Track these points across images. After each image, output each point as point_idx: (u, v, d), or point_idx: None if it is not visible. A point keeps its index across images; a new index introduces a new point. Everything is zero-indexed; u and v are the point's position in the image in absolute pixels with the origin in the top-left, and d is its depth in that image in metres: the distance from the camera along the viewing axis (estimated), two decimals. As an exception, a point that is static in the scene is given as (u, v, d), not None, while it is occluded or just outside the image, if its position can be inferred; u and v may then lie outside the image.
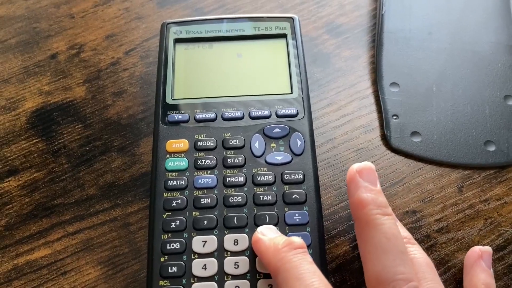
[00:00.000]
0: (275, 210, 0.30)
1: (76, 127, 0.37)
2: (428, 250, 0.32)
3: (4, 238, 0.33)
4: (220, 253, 0.28)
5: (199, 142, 0.32)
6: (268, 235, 0.27)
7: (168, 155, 0.32)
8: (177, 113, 0.33)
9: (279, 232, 0.28)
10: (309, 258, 0.25)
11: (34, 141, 0.36)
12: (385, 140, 0.36)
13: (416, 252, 0.28)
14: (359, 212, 0.27)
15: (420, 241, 0.32)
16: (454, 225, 0.33)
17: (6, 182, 0.35)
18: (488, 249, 0.31)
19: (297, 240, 0.26)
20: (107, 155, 0.36)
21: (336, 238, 0.32)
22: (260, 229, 0.28)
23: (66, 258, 0.32)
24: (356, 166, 0.28)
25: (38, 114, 0.38)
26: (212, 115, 0.33)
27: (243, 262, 0.28)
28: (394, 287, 0.24)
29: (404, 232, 0.30)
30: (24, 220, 0.33)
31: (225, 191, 0.30)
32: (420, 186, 0.34)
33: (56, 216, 0.33)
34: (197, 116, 0.33)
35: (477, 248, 0.31)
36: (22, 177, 0.35)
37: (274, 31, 0.36)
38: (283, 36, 0.36)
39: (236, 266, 0.28)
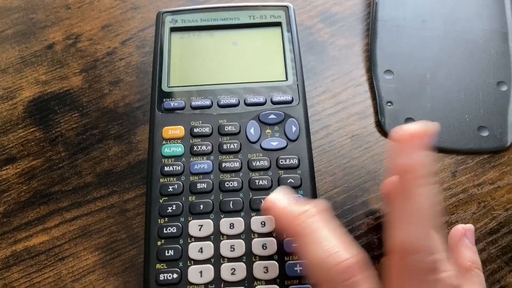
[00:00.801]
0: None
1: (73, 116, 0.37)
2: (422, 233, 0.32)
3: (2, 225, 0.33)
4: (216, 236, 0.29)
5: (195, 129, 0.32)
6: (280, 201, 0.27)
7: (164, 142, 0.32)
8: (173, 100, 0.33)
9: (291, 195, 0.27)
10: (327, 221, 0.25)
11: (32, 129, 0.37)
12: (380, 126, 0.36)
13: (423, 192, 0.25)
14: (402, 178, 0.25)
15: (414, 225, 0.32)
16: (447, 209, 0.33)
17: (4, 170, 0.35)
18: (470, 226, 0.31)
19: (313, 207, 0.25)
20: (104, 143, 0.36)
21: (331, 222, 0.33)
22: (271, 196, 0.27)
23: (64, 244, 0.32)
24: (410, 128, 0.25)
25: (35, 103, 0.38)
26: (207, 102, 0.33)
27: (239, 245, 0.28)
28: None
29: (473, 256, 0.30)
30: (22, 207, 0.34)
31: (221, 176, 0.31)
32: (414, 171, 0.35)
33: (54, 203, 0.34)
34: (193, 103, 0.33)
35: (460, 227, 0.31)
36: (19, 165, 0.35)
37: (269, 20, 0.37)
38: (278, 24, 0.37)
39: (232, 249, 0.28)
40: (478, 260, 0.30)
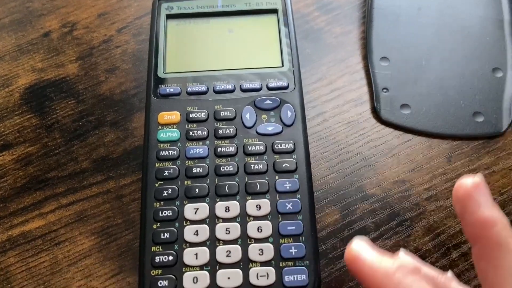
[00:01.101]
0: (266, 178, 0.30)
1: (69, 102, 0.37)
2: (417, 217, 0.32)
3: (-1, 210, 0.33)
4: (212, 219, 0.29)
5: (190, 114, 0.32)
6: (367, 254, 0.23)
7: (160, 127, 0.32)
8: (169, 86, 0.33)
9: (374, 245, 0.24)
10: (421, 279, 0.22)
11: (28, 116, 0.37)
12: (375, 113, 0.36)
13: None
14: (487, 232, 0.22)
15: (409, 210, 0.33)
16: (442, 194, 0.33)
17: (0, 156, 0.35)
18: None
19: (409, 260, 0.23)
20: (100, 129, 0.36)
21: (326, 207, 0.33)
22: (355, 246, 0.23)
23: (60, 229, 0.32)
24: (469, 181, 0.23)
25: (32, 90, 0.38)
26: (203, 88, 0.33)
27: (234, 228, 0.28)
28: None
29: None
30: (18, 193, 0.34)
31: (217, 160, 0.31)
32: (409, 157, 0.35)
33: (50, 188, 0.34)
34: (189, 89, 0.33)
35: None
36: (16, 151, 0.35)
37: (265, 7, 0.37)
38: (274, 11, 0.37)
39: (227, 232, 0.28)
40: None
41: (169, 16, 0.36)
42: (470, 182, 0.23)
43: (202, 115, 0.32)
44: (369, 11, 0.41)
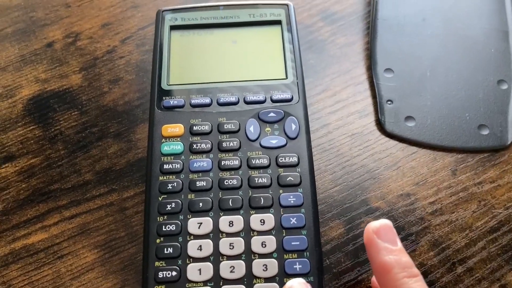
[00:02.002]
0: (270, 192, 0.30)
1: (73, 114, 0.37)
2: (422, 232, 0.32)
3: (1, 223, 0.33)
4: (216, 234, 0.29)
5: (194, 127, 0.32)
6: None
7: (163, 140, 0.32)
8: (173, 98, 0.33)
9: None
10: None
11: (31, 127, 0.37)
12: (380, 125, 0.36)
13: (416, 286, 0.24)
14: (384, 278, 0.24)
15: (414, 224, 0.32)
16: (447, 208, 0.33)
17: (3, 168, 0.35)
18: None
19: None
20: (104, 141, 0.36)
21: (331, 220, 0.33)
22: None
23: (62, 242, 0.32)
24: (372, 226, 0.26)
25: (35, 101, 0.38)
26: (207, 100, 0.33)
27: (238, 243, 0.28)
28: None
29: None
30: (21, 205, 0.34)
31: (221, 174, 0.31)
32: (414, 170, 0.35)
33: (53, 201, 0.34)
34: (192, 101, 0.33)
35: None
36: (19, 163, 0.35)
37: (269, 18, 0.37)
38: (278, 22, 0.36)
39: (231, 247, 0.28)
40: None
41: (173, 27, 0.36)
42: (371, 227, 0.26)
43: (206, 127, 0.32)
44: (373, 22, 0.40)
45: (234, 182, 0.30)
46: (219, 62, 0.35)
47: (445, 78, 0.38)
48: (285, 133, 0.32)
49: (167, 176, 0.30)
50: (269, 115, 0.32)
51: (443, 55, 0.39)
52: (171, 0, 0.43)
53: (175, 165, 0.31)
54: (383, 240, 0.25)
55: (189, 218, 0.29)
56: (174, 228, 0.29)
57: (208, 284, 0.27)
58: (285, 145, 0.31)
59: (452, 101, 0.37)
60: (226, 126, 0.32)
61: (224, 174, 0.30)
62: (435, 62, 0.38)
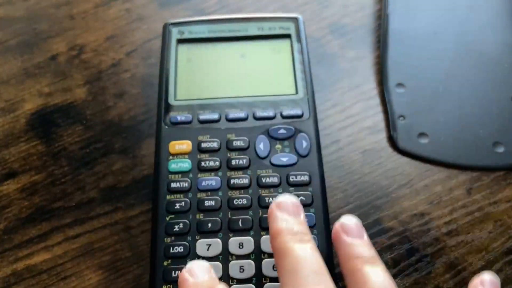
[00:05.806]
0: (281, 212, 0.29)
1: (77, 129, 0.36)
2: (437, 253, 0.31)
3: (3, 242, 0.32)
4: (225, 256, 0.28)
5: (202, 144, 0.31)
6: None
7: (171, 157, 0.31)
8: (180, 114, 0.32)
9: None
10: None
11: (34, 143, 0.36)
12: (392, 141, 0.35)
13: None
14: (273, 243, 0.25)
15: (428, 245, 0.31)
16: (463, 228, 0.32)
17: (5, 185, 0.34)
18: (348, 220, 0.26)
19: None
20: (108, 157, 0.35)
21: (343, 241, 0.32)
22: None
23: (66, 262, 0.31)
24: (275, 200, 0.26)
25: (38, 116, 0.37)
26: (215, 116, 0.32)
27: (249, 266, 0.27)
28: None
29: (366, 252, 0.25)
30: (23, 224, 0.33)
31: (230, 193, 0.30)
32: (428, 188, 0.34)
33: (56, 219, 0.33)
34: (200, 117, 0.32)
35: (337, 224, 0.26)
36: (21, 180, 0.34)
37: (278, 31, 0.36)
38: (287, 36, 0.36)
39: (242, 270, 0.27)
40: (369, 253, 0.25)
41: (180, 41, 0.36)
42: (275, 201, 0.26)
43: (214, 144, 0.31)
44: (384, 35, 0.40)
45: (244, 201, 0.29)
46: (227, 77, 0.35)
47: (458, 94, 0.37)
48: (296, 151, 0.31)
49: (175, 195, 0.30)
50: (279, 132, 0.32)
51: (455, 69, 0.38)
52: (176, 13, 0.42)
53: (182, 184, 0.30)
54: (283, 212, 0.26)
55: (198, 239, 0.28)
56: (182, 249, 0.28)
57: (218, 310, 0.26)
58: (296, 163, 0.31)
59: (466, 118, 0.36)
60: (235, 143, 0.31)
61: (233, 193, 0.30)
62: (447, 77, 0.38)
